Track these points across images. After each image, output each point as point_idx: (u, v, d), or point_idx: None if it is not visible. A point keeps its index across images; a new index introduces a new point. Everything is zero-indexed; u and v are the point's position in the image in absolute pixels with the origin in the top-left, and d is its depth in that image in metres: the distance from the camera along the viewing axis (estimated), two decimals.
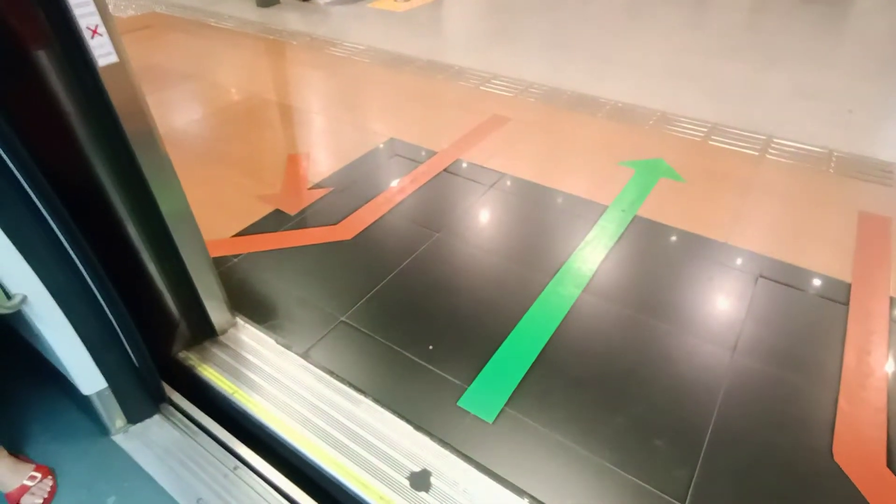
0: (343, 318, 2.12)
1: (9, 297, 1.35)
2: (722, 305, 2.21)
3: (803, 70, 4.34)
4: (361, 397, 1.78)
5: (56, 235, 1.34)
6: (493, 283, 2.30)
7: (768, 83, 4.13)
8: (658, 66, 4.49)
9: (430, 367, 1.93)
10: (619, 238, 2.54)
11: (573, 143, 3.37)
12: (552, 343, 2.01)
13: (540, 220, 2.69)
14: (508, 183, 2.97)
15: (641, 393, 1.85)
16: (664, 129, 3.50)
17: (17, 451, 1.69)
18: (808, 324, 2.13)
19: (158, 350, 1.80)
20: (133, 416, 1.76)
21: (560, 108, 3.78)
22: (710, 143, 3.34)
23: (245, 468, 1.64)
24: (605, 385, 1.87)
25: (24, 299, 1.36)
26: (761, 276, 2.33)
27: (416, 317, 2.15)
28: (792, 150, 3.26)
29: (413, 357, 1.97)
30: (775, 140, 3.35)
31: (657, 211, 2.72)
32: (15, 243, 1.28)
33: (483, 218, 2.71)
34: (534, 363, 1.94)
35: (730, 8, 5.99)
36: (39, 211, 1.29)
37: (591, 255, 2.43)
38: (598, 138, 3.41)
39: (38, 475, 1.61)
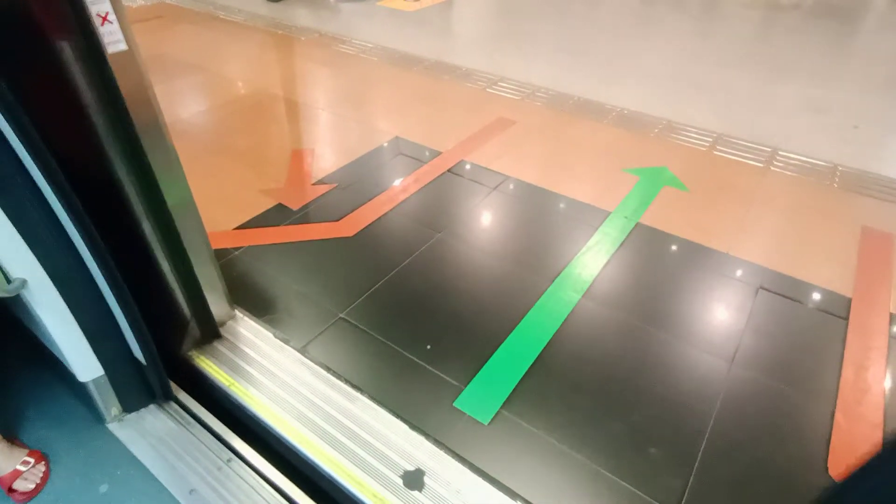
0: (342, 315, 2.12)
1: (9, 280, 1.35)
2: (721, 316, 2.20)
3: (810, 83, 4.34)
4: (358, 394, 1.78)
5: (58, 220, 1.34)
6: (493, 285, 2.30)
7: (775, 95, 4.13)
8: (666, 74, 4.49)
9: (428, 366, 1.93)
10: (621, 245, 2.54)
11: (578, 149, 3.37)
12: (550, 347, 2.01)
13: (542, 223, 2.69)
14: (512, 186, 2.97)
15: (638, 400, 1.84)
16: (669, 137, 3.50)
17: (12, 436, 1.69)
18: (808, 337, 2.12)
19: (156, 340, 1.80)
20: (129, 405, 1.76)
21: (566, 112, 3.78)
22: (716, 153, 3.34)
23: (239, 461, 1.64)
24: (602, 391, 1.87)
25: (23, 283, 1.36)
26: (762, 288, 2.33)
27: (415, 316, 2.14)
28: (797, 163, 3.26)
29: (411, 356, 1.97)
30: (780, 152, 3.35)
31: (660, 219, 2.72)
32: (17, 227, 1.28)
33: (485, 220, 2.71)
34: (531, 367, 1.93)
35: (739, 19, 5.99)
36: (42, 195, 1.29)
37: (593, 261, 2.43)
38: (603, 144, 3.40)
39: (31, 460, 1.61)
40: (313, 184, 2.93)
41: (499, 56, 4.77)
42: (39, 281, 1.38)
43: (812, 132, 3.62)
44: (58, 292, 1.41)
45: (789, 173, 3.16)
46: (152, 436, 1.71)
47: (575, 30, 5.55)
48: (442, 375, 1.90)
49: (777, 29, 5.72)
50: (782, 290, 2.32)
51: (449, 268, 2.39)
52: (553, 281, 2.31)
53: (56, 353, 1.63)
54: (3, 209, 1.25)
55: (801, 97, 4.10)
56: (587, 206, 2.82)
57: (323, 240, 2.52)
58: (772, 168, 3.20)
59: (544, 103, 3.89)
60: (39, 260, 1.34)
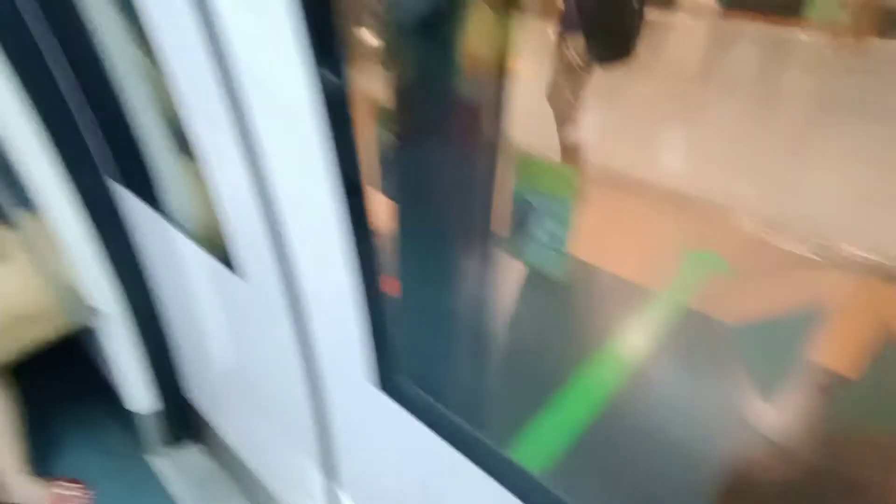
0: None
1: (86, 309, 1.40)
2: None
3: (874, 175, 4.10)
4: None
5: (135, 249, 1.39)
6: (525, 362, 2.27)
7: (836, 185, 3.99)
8: (719, 155, 4.44)
9: None
10: (665, 326, 2.49)
11: (625, 226, 3.35)
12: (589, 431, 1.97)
13: (584, 301, 2.67)
14: None
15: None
16: (721, 220, 3.45)
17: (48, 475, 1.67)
18: None
19: None
20: (177, 440, 1.77)
21: (612, 187, 3.74)
22: (767, 239, 3.27)
23: None
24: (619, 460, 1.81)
25: (97, 312, 1.41)
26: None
27: None
28: (854, 258, 3.14)
29: None
30: (836, 245, 3.23)
31: (705, 303, 2.66)
32: (105, 255, 1.34)
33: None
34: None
35: (799, 105, 5.85)
36: (121, 222, 1.35)
37: (633, 341, 2.39)
38: (650, 224, 3.38)
39: (68, 484, 1.60)
40: None
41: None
42: (113, 311, 1.42)
43: (873, 226, 3.45)
44: (130, 323, 1.45)
45: (845, 268, 3.05)
46: (190, 475, 1.70)
47: (623, 100, 5.46)
48: None
49: (840, 117, 5.33)
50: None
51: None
52: (595, 363, 2.27)
53: (111, 382, 1.66)
54: (96, 237, 1.31)
55: (862, 189, 3.88)
56: (633, 285, 2.79)
57: None
58: (827, 261, 3.09)
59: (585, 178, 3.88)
60: (119, 291, 1.40)
